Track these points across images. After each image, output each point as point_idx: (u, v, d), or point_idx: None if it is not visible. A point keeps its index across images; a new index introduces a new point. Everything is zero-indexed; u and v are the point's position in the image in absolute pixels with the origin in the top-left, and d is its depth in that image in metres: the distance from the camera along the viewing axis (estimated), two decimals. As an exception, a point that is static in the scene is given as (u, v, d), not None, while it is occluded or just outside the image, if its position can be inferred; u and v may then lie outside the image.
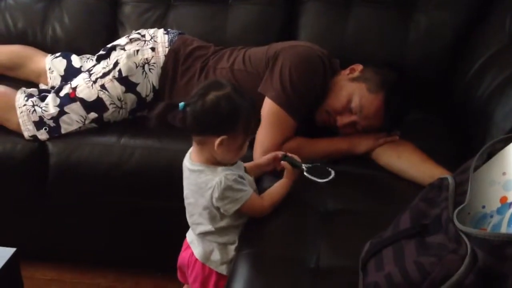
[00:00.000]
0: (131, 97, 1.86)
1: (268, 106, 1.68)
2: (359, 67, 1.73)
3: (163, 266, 1.83)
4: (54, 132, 1.82)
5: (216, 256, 1.40)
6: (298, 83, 1.66)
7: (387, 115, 1.65)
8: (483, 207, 1.02)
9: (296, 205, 1.45)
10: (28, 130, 1.81)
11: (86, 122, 1.83)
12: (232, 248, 1.39)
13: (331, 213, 1.42)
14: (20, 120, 1.81)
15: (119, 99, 1.84)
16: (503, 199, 0.99)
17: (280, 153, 1.51)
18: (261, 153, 1.62)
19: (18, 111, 1.81)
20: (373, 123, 1.67)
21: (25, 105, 1.82)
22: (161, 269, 1.91)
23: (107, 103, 1.83)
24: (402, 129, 1.70)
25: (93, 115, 1.83)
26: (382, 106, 1.64)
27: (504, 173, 1.02)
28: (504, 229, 0.95)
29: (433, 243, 0.98)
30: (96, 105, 1.83)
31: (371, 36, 2.03)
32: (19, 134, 1.82)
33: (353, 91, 1.66)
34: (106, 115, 1.85)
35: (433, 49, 2.00)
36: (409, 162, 1.60)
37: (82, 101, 1.82)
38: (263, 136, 1.65)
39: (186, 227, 1.50)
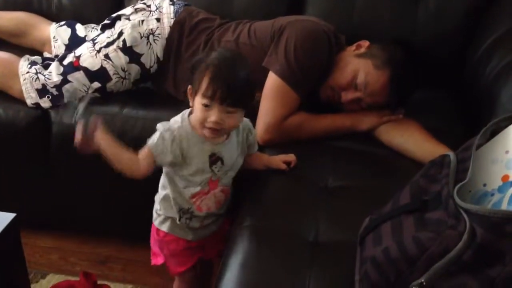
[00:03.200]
0: (134, 67, 1.85)
1: (271, 80, 1.67)
2: (365, 43, 1.71)
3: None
4: (57, 100, 1.81)
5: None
6: (303, 58, 1.65)
7: (392, 92, 1.63)
8: (484, 185, 1.01)
9: (296, 180, 1.44)
10: (30, 97, 1.81)
11: (89, 91, 1.83)
12: None
13: (331, 189, 1.41)
14: (23, 88, 1.81)
15: (123, 70, 1.83)
16: (505, 178, 0.98)
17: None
18: (263, 127, 1.61)
19: (21, 79, 1.81)
20: (377, 100, 1.66)
21: (28, 72, 1.81)
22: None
23: (111, 73, 1.82)
24: (409, 107, 1.68)
25: (96, 84, 1.82)
26: (388, 83, 1.62)
27: (507, 152, 1.01)
28: (504, 208, 0.94)
29: (432, 219, 0.97)
30: (100, 74, 1.82)
31: (380, 13, 2.00)
32: (22, 102, 1.82)
33: (358, 67, 1.65)
34: (109, 85, 1.84)
35: (444, 28, 1.96)
36: (411, 141, 1.59)
37: (86, 70, 1.81)
38: (266, 110, 1.64)
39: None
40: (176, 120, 1.35)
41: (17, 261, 1.42)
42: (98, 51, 1.83)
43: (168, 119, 1.78)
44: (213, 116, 1.24)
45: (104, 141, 1.29)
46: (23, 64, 1.84)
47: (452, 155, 1.06)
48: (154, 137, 1.31)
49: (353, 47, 1.73)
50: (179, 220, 1.40)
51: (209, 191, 1.37)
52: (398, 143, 1.61)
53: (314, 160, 1.52)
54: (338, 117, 1.69)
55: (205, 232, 1.45)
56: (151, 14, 1.89)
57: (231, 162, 1.37)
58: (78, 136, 1.26)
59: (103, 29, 1.91)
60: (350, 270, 1.11)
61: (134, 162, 1.31)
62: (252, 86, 1.30)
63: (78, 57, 1.83)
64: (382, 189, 1.29)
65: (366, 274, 1.01)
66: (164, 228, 1.43)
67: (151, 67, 1.87)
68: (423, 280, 0.91)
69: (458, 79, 1.93)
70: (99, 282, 1.71)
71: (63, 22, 2.08)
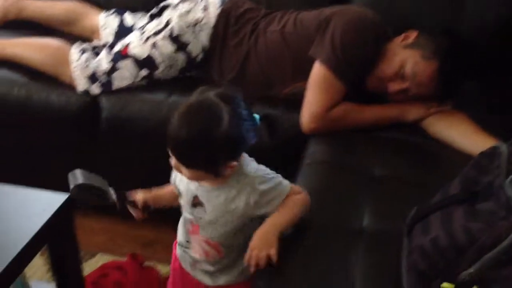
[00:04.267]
0: (181, 56, 1.88)
1: (317, 70, 1.67)
2: (413, 34, 1.70)
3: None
4: (106, 87, 1.86)
5: None
6: (349, 48, 1.64)
7: (440, 83, 1.62)
8: (537, 176, 1.00)
9: (341, 169, 1.45)
10: (81, 84, 1.86)
11: (137, 78, 1.87)
12: None
13: (378, 178, 1.41)
14: (74, 74, 1.86)
15: (170, 58, 1.86)
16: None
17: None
18: (309, 116, 1.62)
19: (72, 65, 1.86)
20: (425, 91, 1.64)
21: (79, 59, 1.86)
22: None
23: (158, 61, 1.85)
24: (455, 99, 1.66)
25: (144, 72, 1.86)
26: (435, 74, 1.61)
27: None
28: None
29: (482, 210, 0.97)
30: (147, 62, 1.85)
31: (427, 2, 1.97)
32: (73, 88, 1.87)
33: (406, 57, 1.63)
34: (157, 72, 1.87)
35: (490, 18, 1.93)
36: (460, 132, 1.57)
37: (134, 58, 1.85)
38: (312, 99, 1.64)
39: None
40: None
41: (69, 241, 1.47)
42: (146, 40, 1.86)
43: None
44: (172, 160, 1.17)
45: (148, 200, 1.35)
46: (74, 52, 1.89)
47: (503, 146, 1.05)
48: None
49: (401, 37, 1.71)
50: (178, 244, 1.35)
51: (192, 232, 1.28)
52: (446, 135, 1.59)
53: (360, 150, 1.53)
54: (384, 107, 1.68)
55: (195, 273, 1.32)
56: (197, 4, 1.91)
57: (215, 215, 1.20)
58: (135, 214, 1.36)
59: (151, 18, 1.95)
60: (396, 259, 1.12)
61: (173, 194, 1.33)
62: (201, 149, 1.10)
63: (126, 46, 1.87)
64: (428, 180, 1.29)
65: (414, 263, 1.01)
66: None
67: (197, 55, 1.89)
68: (472, 270, 0.91)
69: (508, 70, 1.89)
70: (146, 263, 1.76)
71: (112, 11, 2.13)
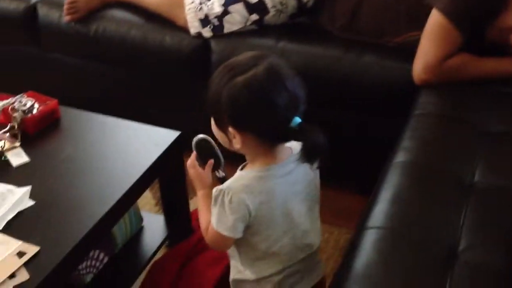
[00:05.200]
0: (292, 1, 1.86)
1: (434, 18, 1.59)
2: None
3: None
4: (218, 30, 1.89)
5: None
6: (470, -4, 1.55)
7: None
8: None
9: (455, 122, 1.39)
10: (194, 27, 1.91)
11: (247, 23, 1.88)
12: None
13: (494, 134, 1.34)
14: (188, 17, 1.91)
15: (281, 3, 1.85)
16: None
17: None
18: (422, 67, 1.56)
19: (186, 8, 1.91)
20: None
21: (192, 2, 1.90)
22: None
23: (269, 5, 1.85)
24: None
25: (254, 16, 1.87)
26: None
27: None
28: None
29: None
30: (258, 7, 1.86)
31: None
32: (186, 30, 1.92)
33: (532, 8, 1.52)
34: (267, 17, 1.87)
35: None
36: None
37: (245, 2, 1.86)
38: (426, 49, 1.58)
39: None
40: None
41: (178, 177, 1.55)
42: (258, -16, 1.86)
43: (323, 55, 1.79)
44: None
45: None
46: (188, -5, 1.93)
47: None
48: None
49: (529, -16, 1.58)
50: None
51: None
52: None
53: (474, 104, 1.45)
54: (504, 60, 1.58)
55: None
56: None
57: None
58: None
59: (263, -38, 1.94)
60: (508, 217, 1.07)
61: None
62: (210, 94, 1.03)
63: (239, -10, 1.88)
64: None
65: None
66: None
67: (308, 1, 1.87)
68: None
69: None
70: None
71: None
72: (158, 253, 1.61)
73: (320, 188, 1.15)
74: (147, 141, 1.45)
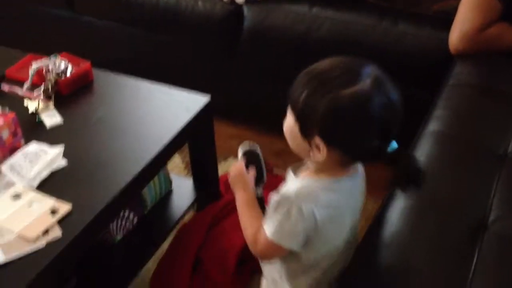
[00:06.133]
0: (326, -34, 1.83)
1: (474, -15, 1.55)
2: None
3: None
4: (251, -4, 1.88)
5: None
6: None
7: None
8: None
9: (490, 93, 1.36)
10: (227, -8, 1.89)
11: (282, -12, 1.86)
12: None
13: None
14: (221, -18, 1.89)
15: (315, -32, 1.82)
16: None
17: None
18: (458, 36, 1.53)
19: (220, -27, 1.89)
20: None
21: (226, -34, 1.89)
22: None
23: (303, -29, 1.82)
24: None
25: (289, -18, 1.84)
26: None
27: None
28: None
29: None
30: (292, -28, 1.83)
31: None
32: (219, -5, 1.92)
33: None
34: (301, -17, 1.85)
35: None
36: None
37: (279, -33, 1.84)
38: (464, 17, 1.54)
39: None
40: None
41: (208, 141, 1.56)
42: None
43: (357, 22, 1.76)
44: None
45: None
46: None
47: None
48: None
49: None
50: None
51: None
52: None
53: (511, 75, 1.42)
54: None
55: None
56: None
57: None
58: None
59: None
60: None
61: None
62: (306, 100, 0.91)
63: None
64: None
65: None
66: None
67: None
68: None
69: None
70: (274, 171, 1.82)
71: None
72: (186, 216, 1.64)
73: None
74: (178, 105, 1.45)
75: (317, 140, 0.91)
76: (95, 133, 1.37)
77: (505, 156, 1.15)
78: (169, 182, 1.64)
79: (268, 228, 0.99)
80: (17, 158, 1.26)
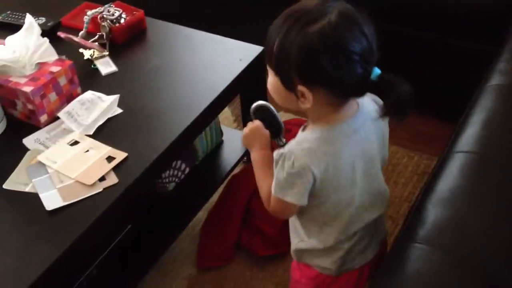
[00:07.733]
0: None
1: None
2: None
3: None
4: None
5: None
6: None
7: None
8: None
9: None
10: None
11: None
12: None
13: None
14: None
15: None
16: None
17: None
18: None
19: None
20: None
21: None
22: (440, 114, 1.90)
23: None
24: None
25: None
26: None
27: None
28: None
29: None
30: None
31: None
32: None
33: None
34: None
35: None
36: None
37: None
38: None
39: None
40: None
41: (260, 92, 1.54)
42: None
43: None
44: None
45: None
46: None
47: None
48: None
49: None
50: None
51: None
52: None
53: None
54: None
55: None
56: None
57: None
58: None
59: None
60: None
61: None
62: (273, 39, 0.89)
63: None
64: None
65: None
66: None
67: None
68: None
69: None
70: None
71: None
72: (236, 168, 1.65)
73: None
74: (231, 55, 1.44)
75: (300, 87, 0.89)
76: (149, 82, 1.38)
77: None
78: (220, 133, 1.65)
79: (273, 185, 0.99)
80: (74, 105, 1.28)
